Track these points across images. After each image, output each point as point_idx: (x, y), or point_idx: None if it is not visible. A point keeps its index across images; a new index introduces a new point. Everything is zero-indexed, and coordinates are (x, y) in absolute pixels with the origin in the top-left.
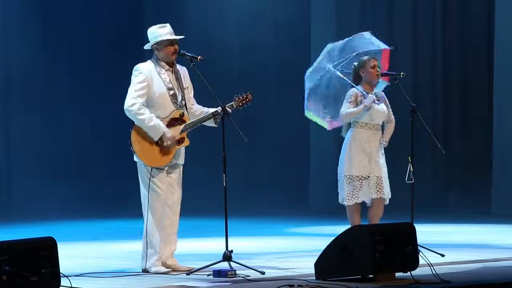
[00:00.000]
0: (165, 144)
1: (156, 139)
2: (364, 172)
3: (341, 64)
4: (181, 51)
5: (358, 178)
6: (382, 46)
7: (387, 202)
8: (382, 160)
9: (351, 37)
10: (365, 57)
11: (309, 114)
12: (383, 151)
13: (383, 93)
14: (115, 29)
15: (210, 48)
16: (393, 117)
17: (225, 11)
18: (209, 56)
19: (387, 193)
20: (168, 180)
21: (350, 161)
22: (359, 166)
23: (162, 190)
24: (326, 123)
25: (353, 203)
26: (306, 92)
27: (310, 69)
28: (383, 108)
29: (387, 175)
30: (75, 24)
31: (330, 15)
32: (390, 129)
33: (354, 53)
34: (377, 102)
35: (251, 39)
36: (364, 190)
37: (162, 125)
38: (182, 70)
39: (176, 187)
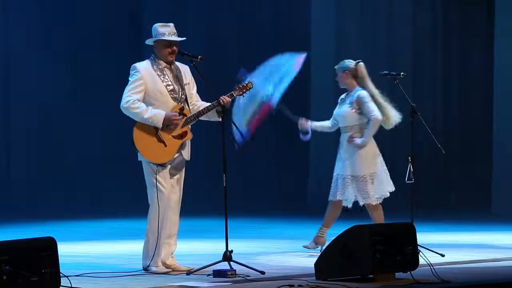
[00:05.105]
0: (172, 124)
1: (160, 125)
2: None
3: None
4: (181, 50)
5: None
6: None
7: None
8: None
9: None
10: (352, 63)
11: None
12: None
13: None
14: (115, 29)
15: (210, 47)
16: None
17: (225, 11)
18: (209, 56)
19: None
20: (170, 180)
21: (374, 160)
22: (377, 162)
23: (165, 188)
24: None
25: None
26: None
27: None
28: None
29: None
30: (75, 24)
31: (330, 15)
32: None
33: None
34: None
35: (251, 39)
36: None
37: (159, 110)
38: (183, 67)
39: (177, 187)
